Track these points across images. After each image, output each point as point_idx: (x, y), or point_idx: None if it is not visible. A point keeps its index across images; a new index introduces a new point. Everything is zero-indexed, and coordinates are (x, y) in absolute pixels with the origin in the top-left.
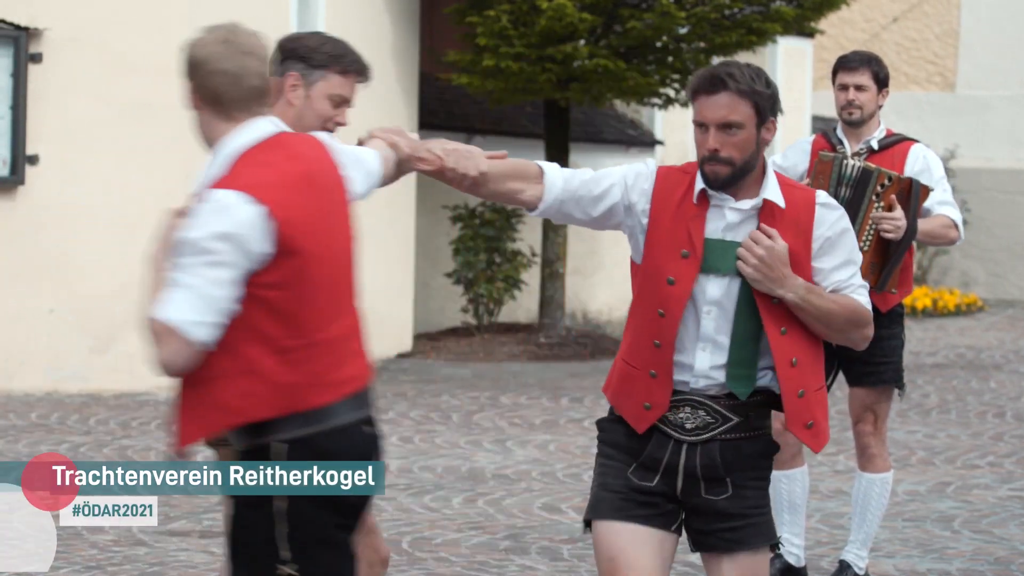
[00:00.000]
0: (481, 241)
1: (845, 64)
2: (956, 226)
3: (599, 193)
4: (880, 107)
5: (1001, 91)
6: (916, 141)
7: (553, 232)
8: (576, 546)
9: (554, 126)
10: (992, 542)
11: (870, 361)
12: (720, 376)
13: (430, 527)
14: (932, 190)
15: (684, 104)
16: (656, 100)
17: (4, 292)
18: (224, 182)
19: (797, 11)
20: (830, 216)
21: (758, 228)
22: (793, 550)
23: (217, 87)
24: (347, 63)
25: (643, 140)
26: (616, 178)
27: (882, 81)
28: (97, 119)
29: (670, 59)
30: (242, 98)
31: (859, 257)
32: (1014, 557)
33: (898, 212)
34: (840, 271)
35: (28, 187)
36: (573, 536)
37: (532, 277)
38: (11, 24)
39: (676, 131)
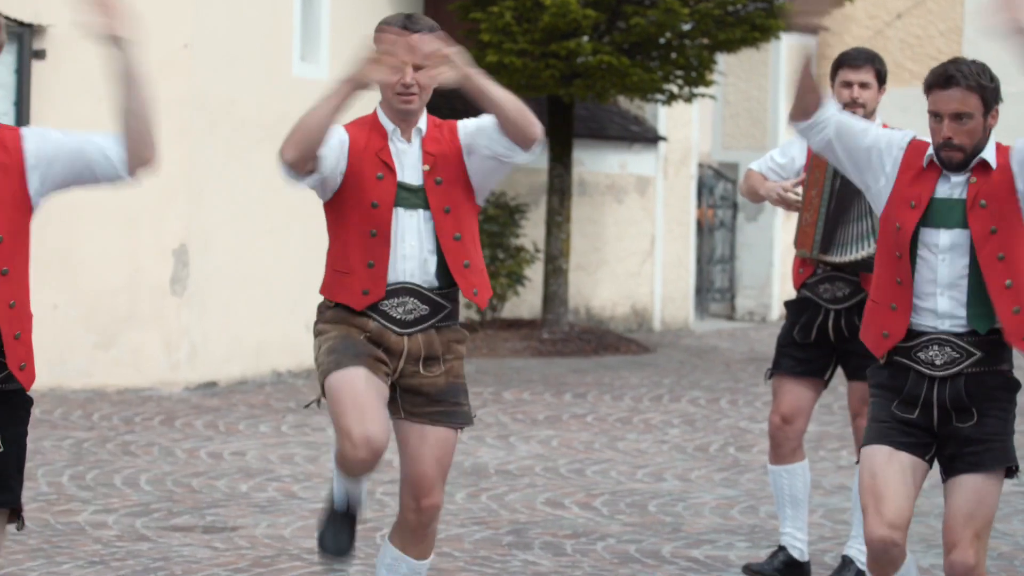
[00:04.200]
0: (484, 237)
1: (849, 61)
2: None
3: (866, 144)
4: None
5: (1005, 87)
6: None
7: (556, 228)
8: (579, 541)
9: (558, 122)
10: (996, 537)
11: (868, 355)
12: (961, 314)
13: None
14: None
15: (688, 100)
16: (659, 96)
17: None
18: None
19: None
20: (1018, 144)
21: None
22: (797, 544)
23: None
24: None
25: (646, 136)
26: (873, 140)
27: (883, 78)
28: (100, 115)
29: (673, 55)
30: None
31: None
32: (1017, 552)
33: None
34: None
35: None
36: (576, 531)
37: (535, 273)
38: (15, 20)
39: (679, 127)
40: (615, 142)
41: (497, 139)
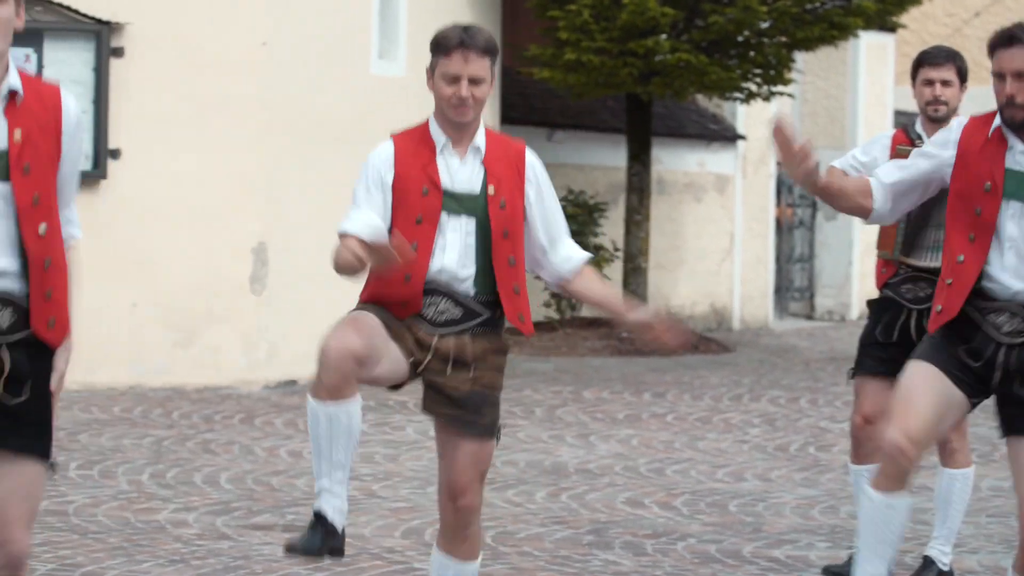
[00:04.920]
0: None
1: (930, 60)
2: None
3: (926, 169)
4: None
5: None
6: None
7: (635, 227)
8: (659, 541)
9: (635, 120)
10: None
11: None
12: None
13: (513, 521)
14: None
15: (766, 98)
16: (738, 95)
17: (87, 286)
18: None
19: (879, 6)
20: None
21: None
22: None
23: None
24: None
25: (725, 135)
26: (927, 160)
27: (964, 76)
28: (178, 113)
29: (752, 53)
30: None
31: None
32: None
33: None
34: None
35: (110, 181)
36: (657, 531)
37: (615, 272)
38: (93, 18)
39: (758, 126)
40: (694, 140)
41: (538, 246)
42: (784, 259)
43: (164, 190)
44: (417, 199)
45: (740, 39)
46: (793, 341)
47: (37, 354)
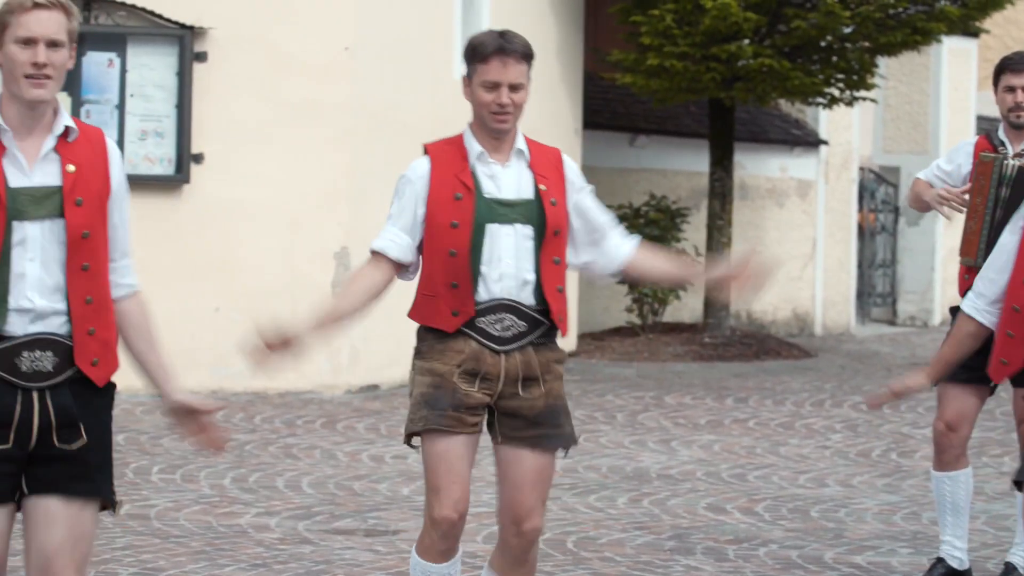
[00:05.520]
0: (645, 240)
1: (1012, 66)
2: None
3: None
4: None
5: None
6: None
7: (717, 232)
8: (741, 546)
9: (718, 125)
10: None
11: None
12: None
13: (595, 527)
14: None
15: (849, 104)
16: (821, 100)
17: (170, 290)
18: None
19: (962, 11)
20: None
21: None
22: (956, 553)
23: None
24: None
25: (807, 140)
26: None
27: None
28: (261, 117)
29: (834, 58)
30: None
31: None
32: None
33: None
34: None
35: (193, 186)
36: (739, 536)
37: None
38: (177, 23)
39: (841, 131)
40: (776, 145)
41: (588, 242)
42: (866, 264)
43: (246, 194)
44: (450, 204)
45: (823, 44)
46: (875, 347)
47: (86, 393)
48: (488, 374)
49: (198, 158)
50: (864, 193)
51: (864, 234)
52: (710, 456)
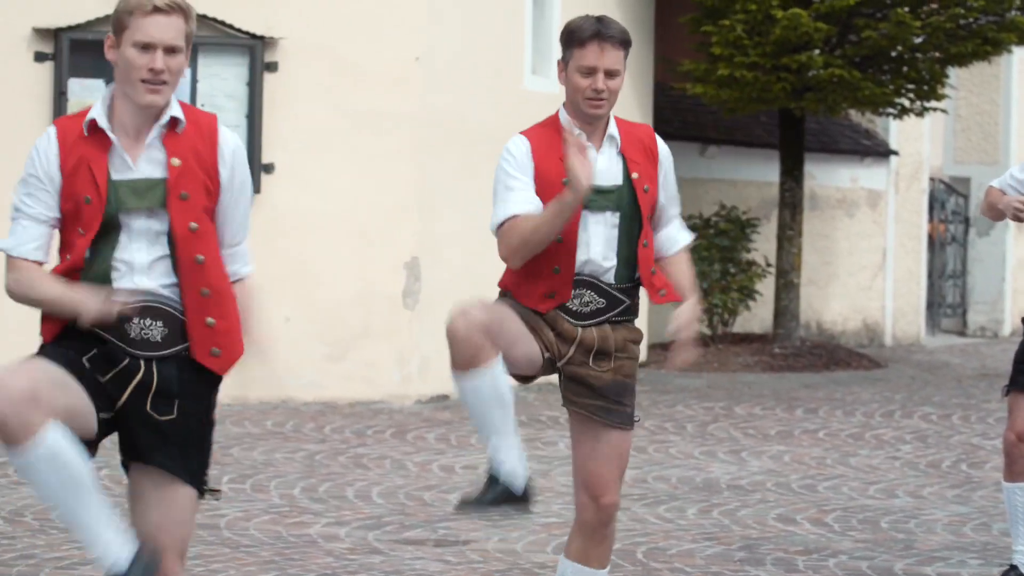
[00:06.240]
0: (715, 251)
1: None
2: None
3: None
4: None
5: None
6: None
7: (787, 242)
8: (811, 557)
9: (789, 136)
10: None
11: None
12: None
13: (665, 537)
14: None
15: (919, 114)
16: (891, 110)
17: None
18: None
19: None
20: None
21: None
22: None
23: None
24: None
25: (878, 150)
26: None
27: None
28: (332, 128)
29: (905, 69)
30: None
31: None
32: None
33: None
34: None
35: (264, 196)
36: (808, 547)
37: (766, 287)
38: (247, 33)
39: (911, 141)
40: (846, 156)
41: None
42: (936, 275)
43: (317, 204)
44: (559, 189)
45: (893, 54)
46: (945, 357)
47: (192, 374)
48: (563, 335)
49: (268, 168)
50: (934, 203)
51: (934, 244)
52: (780, 467)
